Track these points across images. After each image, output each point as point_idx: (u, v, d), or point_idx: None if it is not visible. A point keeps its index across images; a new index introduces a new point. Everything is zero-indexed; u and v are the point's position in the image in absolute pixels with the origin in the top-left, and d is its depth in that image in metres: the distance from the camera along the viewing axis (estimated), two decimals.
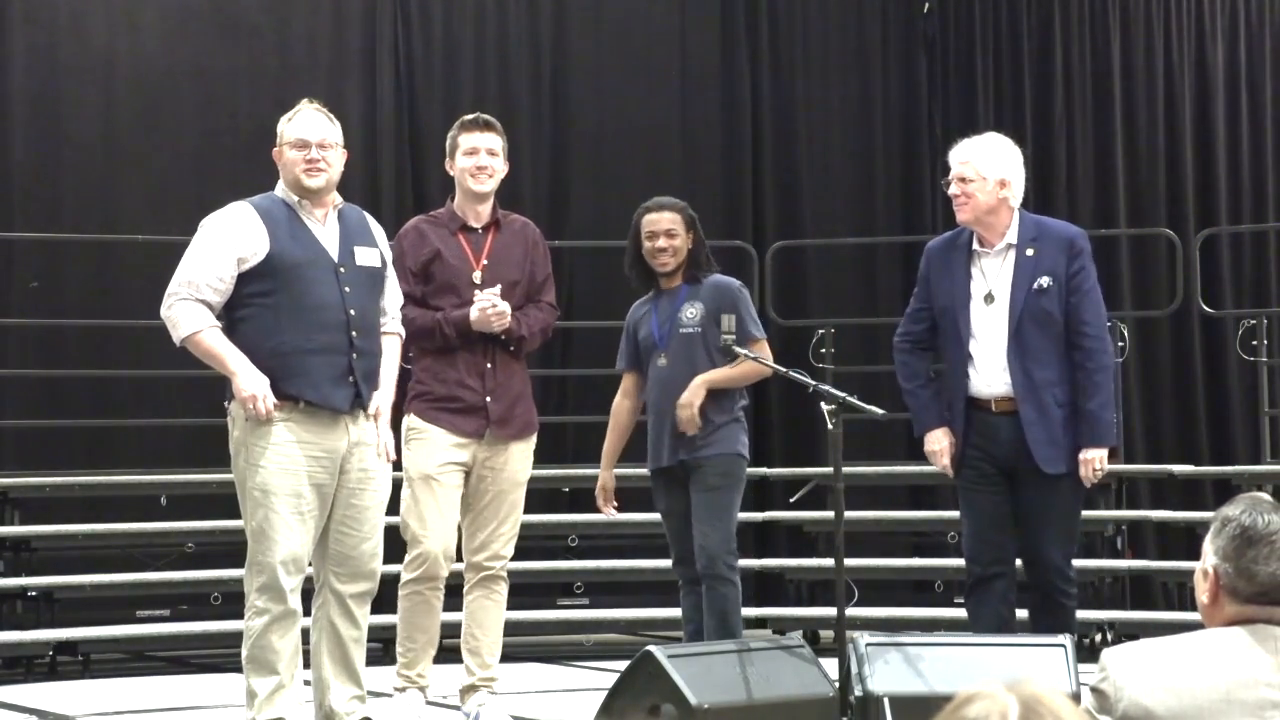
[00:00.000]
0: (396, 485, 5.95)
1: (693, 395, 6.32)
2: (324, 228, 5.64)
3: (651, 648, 5.48)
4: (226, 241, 5.53)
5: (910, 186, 11.06)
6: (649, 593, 9.08)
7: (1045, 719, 2.01)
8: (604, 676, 7.18)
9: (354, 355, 5.56)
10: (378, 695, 6.14)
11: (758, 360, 6.25)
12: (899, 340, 6.15)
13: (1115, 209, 10.82)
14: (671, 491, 6.47)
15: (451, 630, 6.57)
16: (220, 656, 8.24)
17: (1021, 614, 6.07)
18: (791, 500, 8.00)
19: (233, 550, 7.19)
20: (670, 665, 5.39)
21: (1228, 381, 10.62)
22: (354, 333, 5.57)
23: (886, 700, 5.43)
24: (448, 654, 6.62)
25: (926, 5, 11.11)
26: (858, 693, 5.51)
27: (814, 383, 5.82)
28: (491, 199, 6.33)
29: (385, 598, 6.18)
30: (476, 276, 6.22)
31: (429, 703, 6.41)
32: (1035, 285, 5.88)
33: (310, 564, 5.64)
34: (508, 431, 6.24)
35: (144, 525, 8.77)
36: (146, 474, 8.98)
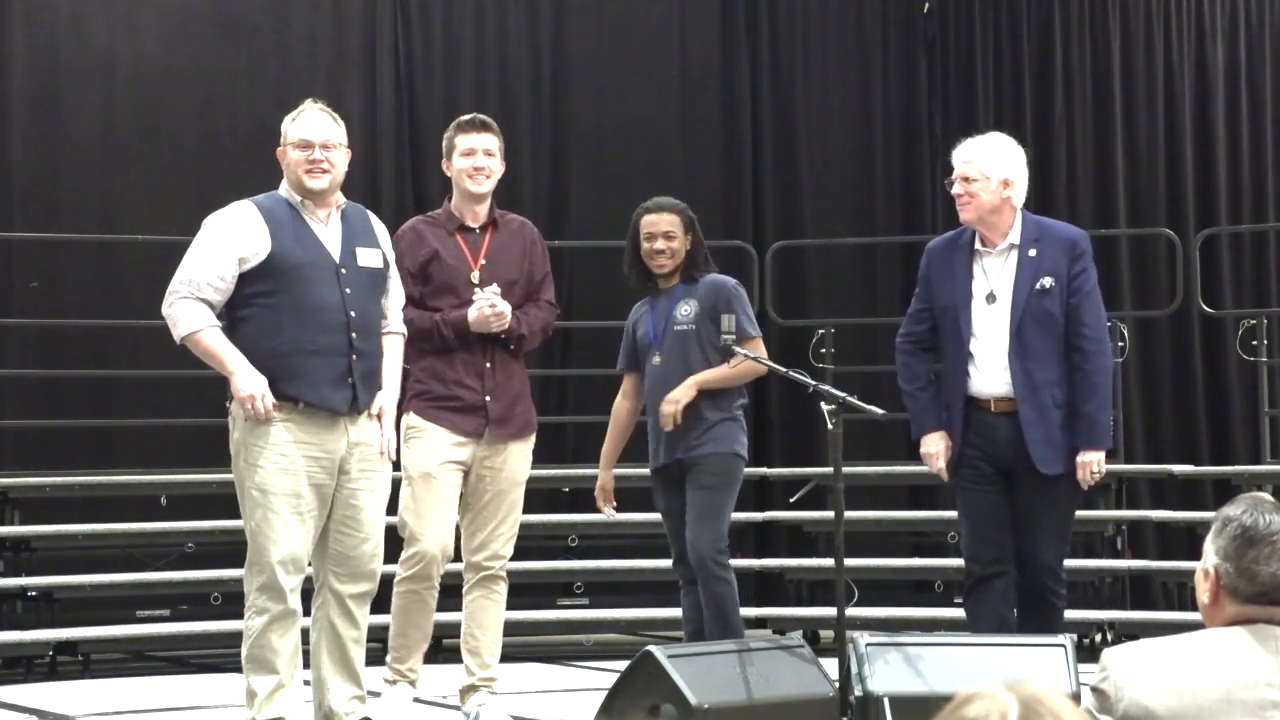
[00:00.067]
0: (396, 485, 5.95)
1: (680, 393, 6.34)
2: (326, 228, 5.63)
3: (651, 648, 5.48)
4: (228, 241, 5.53)
5: (910, 186, 11.06)
6: (649, 593, 9.09)
7: (1045, 719, 2.01)
8: (604, 676, 7.18)
9: (354, 357, 5.55)
10: (376, 695, 6.14)
11: (758, 360, 6.26)
12: (901, 341, 6.15)
13: (1115, 209, 10.82)
14: (669, 490, 6.47)
15: (451, 630, 6.57)
16: (220, 656, 8.24)
17: None
18: (791, 500, 8.01)
19: (233, 550, 7.20)
20: (670, 665, 5.39)
21: (1228, 381, 10.62)
22: (354, 334, 5.56)
23: (886, 700, 5.43)
24: (448, 654, 6.62)
25: (926, 5, 11.11)
26: (858, 693, 5.51)
27: (814, 383, 5.82)
28: (489, 199, 6.33)
29: (385, 597, 6.18)
30: (475, 276, 6.22)
31: (417, 700, 6.42)
32: (1037, 285, 5.88)
33: (310, 564, 5.64)
34: (507, 431, 6.24)
35: (144, 525, 8.77)
36: (146, 474, 8.98)
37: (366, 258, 5.66)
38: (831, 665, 5.69)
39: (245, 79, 9.98)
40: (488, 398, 6.20)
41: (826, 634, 8.42)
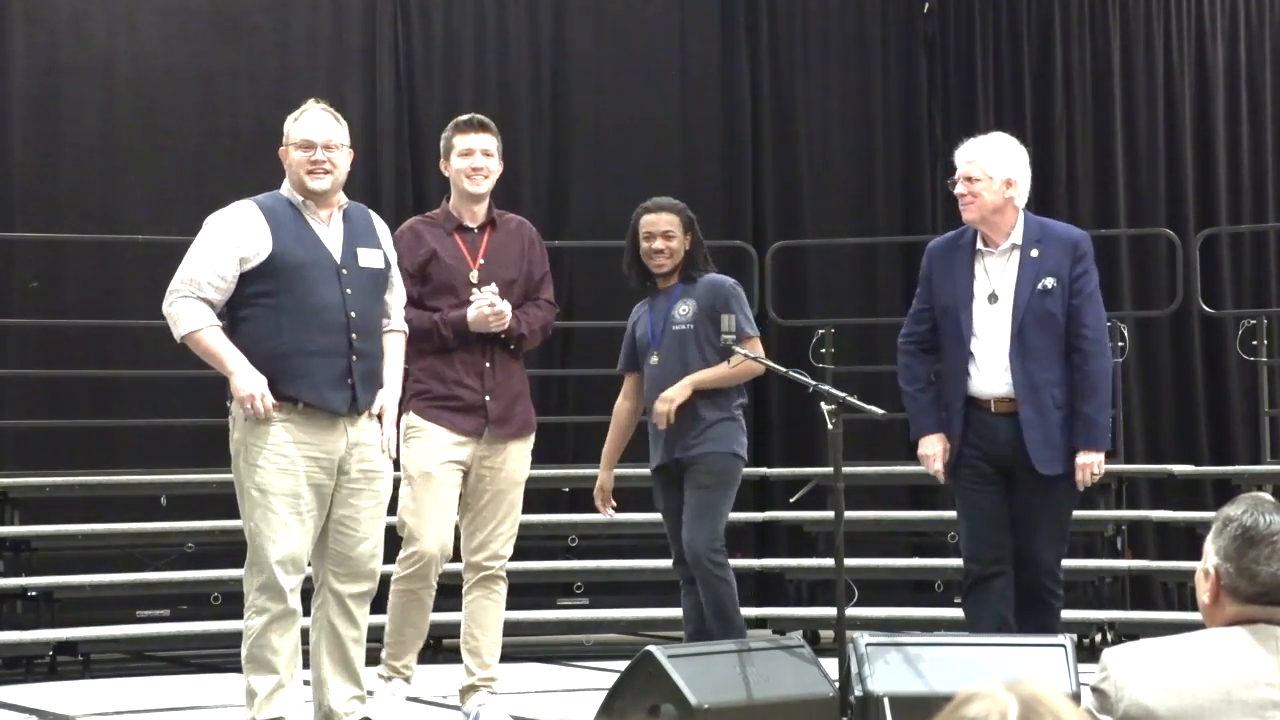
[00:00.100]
0: (395, 484, 5.95)
1: (674, 392, 6.35)
2: (328, 229, 5.63)
3: (651, 648, 5.48)
4: (229, 240, 5.53)
5: (910, 186, 11.06)
6: (649, 593, 9.09)
7: (1045, 718, 2.01)
8: (604, 676, 7.18)
9: (353, 358, 5.55)
10: (370, 694, 6.13)
11: (758, 361, 6.26)
12: (903, 342, 6.15)
13: (1115, 209, 10.82)
14: (669, 490, 6.48)
15: (451, 630, 6.56)
16: (220, 656, 8.24)
17: None
18: (791, 500, 8.01)
19: (233, 550, 7.19)
20: (670, 665, 5.39)
21: (1228, 381, 10.62)
22: (354, 335, 5.56)
23: (886, 700, 5.43)
24: (448, 654, 6.62)
25: (926, 5, 11.11)
26: (858, 693, 5.51)
27: (814, 383, 5.82)
28: (487, 199, 6.33)
29: (383, 596, 6.18)
30: (473, 276, 6.22)
31: (414, 699, 6.43)
32: (1040, 286, 5.89)
33: (310, 564, 5.64)
34: (506, 430, 6.24)
35: (144, 525, 8.77)
36: (146, 474, 8.98)
37: (368, 258, 5.66)
38: (831, 665, 5.69)
39: (245, 79, 9.98)
40: (487, 397, 6.20)
41: (826, 634, 8.42)
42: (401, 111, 10.19)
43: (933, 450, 6.02)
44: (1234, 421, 10.62)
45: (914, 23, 11.12)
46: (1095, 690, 2.86)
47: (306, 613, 5.64)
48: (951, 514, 7.48)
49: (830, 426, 5.63)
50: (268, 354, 5.48)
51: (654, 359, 6.48)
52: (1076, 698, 4.58)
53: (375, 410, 5.63)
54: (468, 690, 6.32)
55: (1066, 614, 6.75)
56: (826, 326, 9.69)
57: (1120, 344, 9.12)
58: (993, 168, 5.93)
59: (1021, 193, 5.98)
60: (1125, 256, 10.69)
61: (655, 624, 8.82)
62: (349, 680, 5.65)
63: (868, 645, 5.61)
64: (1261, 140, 10.92)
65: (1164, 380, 10.75)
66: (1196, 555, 3.14)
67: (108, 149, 9.74)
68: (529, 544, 8.60)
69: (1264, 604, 2.83)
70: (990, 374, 5.93)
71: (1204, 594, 2.88)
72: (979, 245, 5.99)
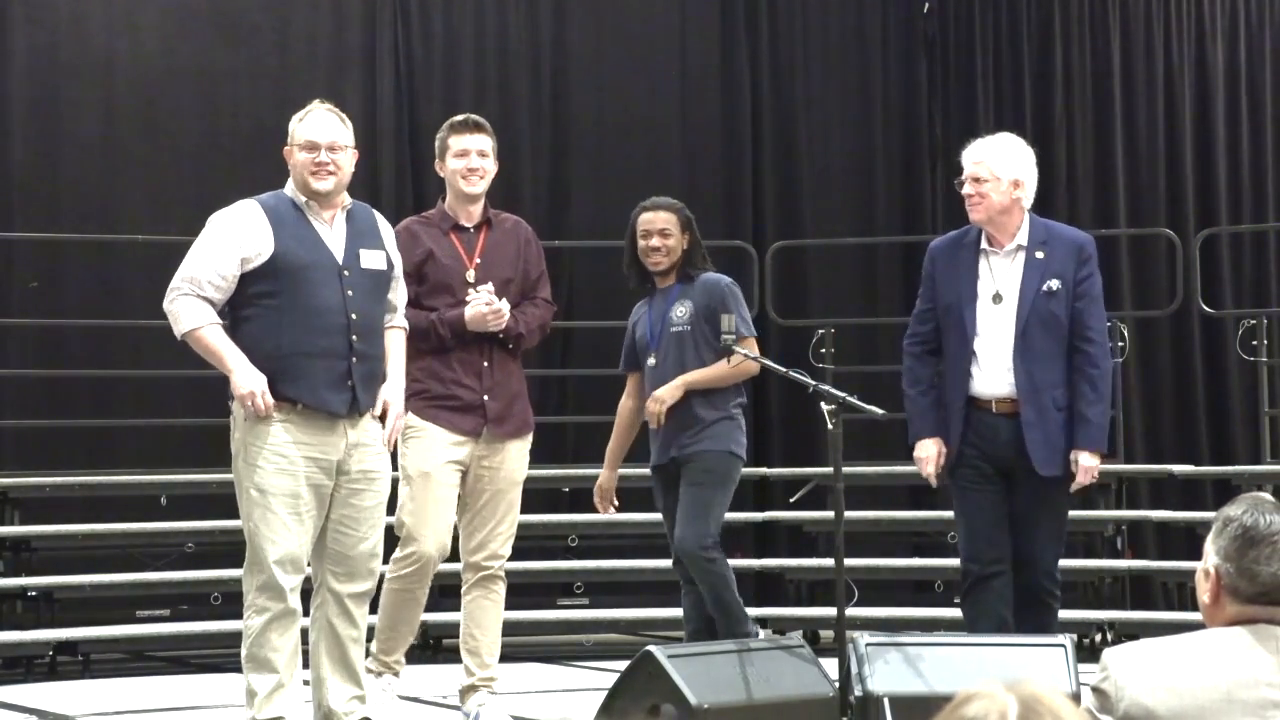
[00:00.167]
0: (394, 484, 5.95)
1: (665, 392, 6.36)
2: (331, 229, 5.63)
3: (651, 648, 5.48)
4: (231, 240, 5.53)
5: (910, 186, 11.07)
6: (649, 593, 9.09)
7: (1044, 718, 2.01)
8: (604, 676, 7.18)
9: (353, 360, 5.55)
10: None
11: (757, 361, 6.26)
12: (908, 343, 6.14)
13: (1115, 209, 10.82)
14: (668, 490, 6.49)
15: (450, 630, 6.56)
16: (220, 656, 8.24)
17: None
18: (791, 500, 8.02)
19: (233, 550, 7.19)
20: (670, 665, 5.38)
21: (1228, 381, 10.63)
22: (354, 337, 5.56)
23: (886, 700, 5.43)
24: (448, 654, 6.62)
25: (926, 5, 11.11)
26: (858, 693, 5.51)
27: (814, 383, 5.82)
28: (483, 199, 6.34)
29: (376, 593, 6.17)
30: (470, 275, 6.23)
31: (407, 697, 6.44)
32: (1044, 288, 5.89)
33: (309, 564, 5.64)
34: (505, 430, 6.24)
35: (144, 525, 8.77)
36: (146, 474, 8.98)
37: (370, 259, 5.66)
38: (831, 665, 5.69)
39: (245, 79, 9.98)
40: (485, 396, 6.20)
41: (826, 634, 8.42)
42: (401, 111, 10.19)
43: (927, 454, 6.02)
44: (1234, 421, 10.62)
45: (914, 23, 11.12)
46: (1095, 690, 2.86)
47: (306, 613, 5.64)
48: (952, 514, 7.49)
49: (830, 426, 5.63)
50: (268, 354, 5.48)
51: (651, 360, 6.50)
52: (1076, 698, 4.58)
53: (378, 411, 5.63)
54: (468, 690, 6.32)
55: (1066, 614, 6.76)
56: (826, 326, 9.68)
57: (1120, 344, 9.12)
58: (1001, 169, 5.93)
59: (1028, 194, 5.98)
60: (1125, 256, 10.69)
61: (655, 624, 8.82)
62: (348, 680, 5.65)
63: (868, 645, 5.61)
64: (1261, 140, 10.92)
65: (1164, 380, 10.76)
66: (1196, 555, 3.14)
67: (108, 149, 9.74)
68: (529, 544, 8.60)
69: (1264, 604, 2.83)
70: (992, 374, 5.93)
71: (1204, 594, 2.88)
72: (983, 245, 5.99)
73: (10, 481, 8.74)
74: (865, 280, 11.01)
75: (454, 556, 6.35)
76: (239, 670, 5.61)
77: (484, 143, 6.29)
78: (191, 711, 7.16)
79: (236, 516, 5.64)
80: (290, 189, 5.66)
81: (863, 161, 11.03)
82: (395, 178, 10.12)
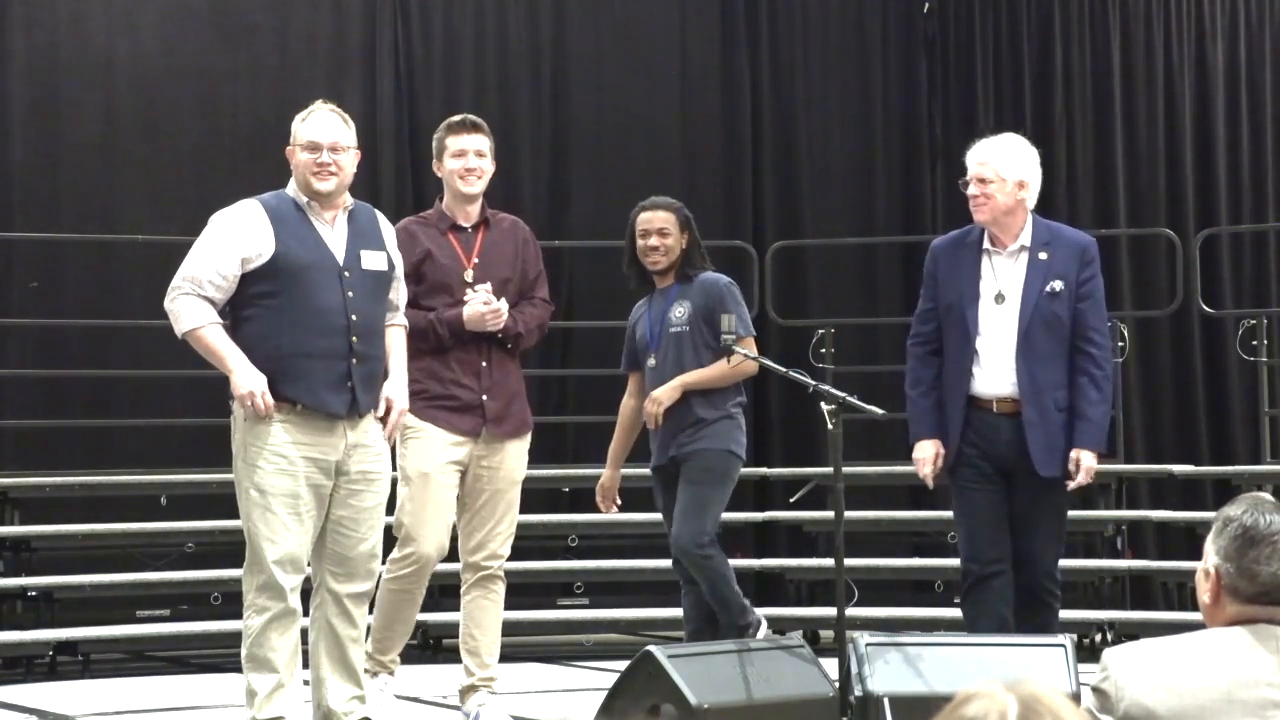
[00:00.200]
0: (393, 484, 5.96)
1: (662, 393, 6.37)
2: (332, 230, 5.63)
3: (651, 648, 5.48)
4: (232, 240, 5.53)
5: (910, 186, 11.07)
6: (649, 593, 9.09)
7: (1044, 718, 2.01)
8: (604, 676, 7.18)
9: (353, 361, 5.55)
10: None
11: (757, 361, 6.27)
12: (912, 342, 6.14)
13: (1115, 209, 10.82)
14: (667, 490, 6.49)
15: (450, 630, 6.56)
16: (220, 656, 8.24)
17: None
18: (791, 500, 8.01)
19: (233, 550, 7.19)
20: (670, 665, 5.38)
21: (1228, 381, 10.62)
22: (355, 338, 5.56)
23: (886, 700, 5.43)
24: (447, 654, 6.62)
25: (926, 5, 11.12)
26: (858, 693, 5.51)
27: (814, 383, 5.82)
28: (480, 198, 6.34)
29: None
30: (468, 275, 6.23)
31: (405, 696, 6.44)
32: (1048, 289, 5.89)
33: (309, 564, 5.64)
34: (504, 429, 6.24)
35: (144, 525, 8.77)
36: (146, 474, 8.98)
37: (371, 260, 5.66)
38: (831, 665, 5.69)
39: (245, 79, 9.98)
40: (484, 396, 6.20)
41: (826, 634, 8.42)
42: (401, 111, 10.19)
43: (925, 455, 6.03)
44: (1234, 421, 10.62)
45: (914, 23, 11.12)
46: (1096, 690, 2.86)
47: (306, 613, 5.64)
48: (951, 514, 7.49)
49: (830, 426, 5.63)
50: (268, 355, 5.49)
51: (651, 361, 6.51)
52: (1076, 698, 4.58)
53: (381, 409, 5.63)
54: (468, 690, 6.32)
55: (1066, 614, 6.76)
56: (826, 326, 9.68)
57: (1120, 344, 9.12)
58: (1006, 169, 5.93)
59: (1033, 195, 5.99)
60: (1125, 256, 10.68)
61: (655, 624, 8.82)
62: (348, 680, 5.65)
63: (868, 645, 5.61)
64: (1261, 140, 10.92)
65: (1164, 380, 10.75)
66: (1196, 555, 3.14)
67: (108, 149, 9.74)
68: (529, 544, 8.60)
69: (1264, 604, 2.83)
70: (994, 374, 5.92)
71: (1204, 594, 2.88)
72: (986, 245, 5.99)
73: (10, 481, 8.74)
74: (865, 280, 11.00)
75: (453, 556, 6.35)
76: (239, 670, 5.61)
77: (481, 143, 6.29)
78: (191, 711, 7.16)
79: (236, 516, 5.64)
80: (292, 189, 5.66)
81: (863, 161, 11.03)
82: (395, 178, 10.12)
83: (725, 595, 6.30)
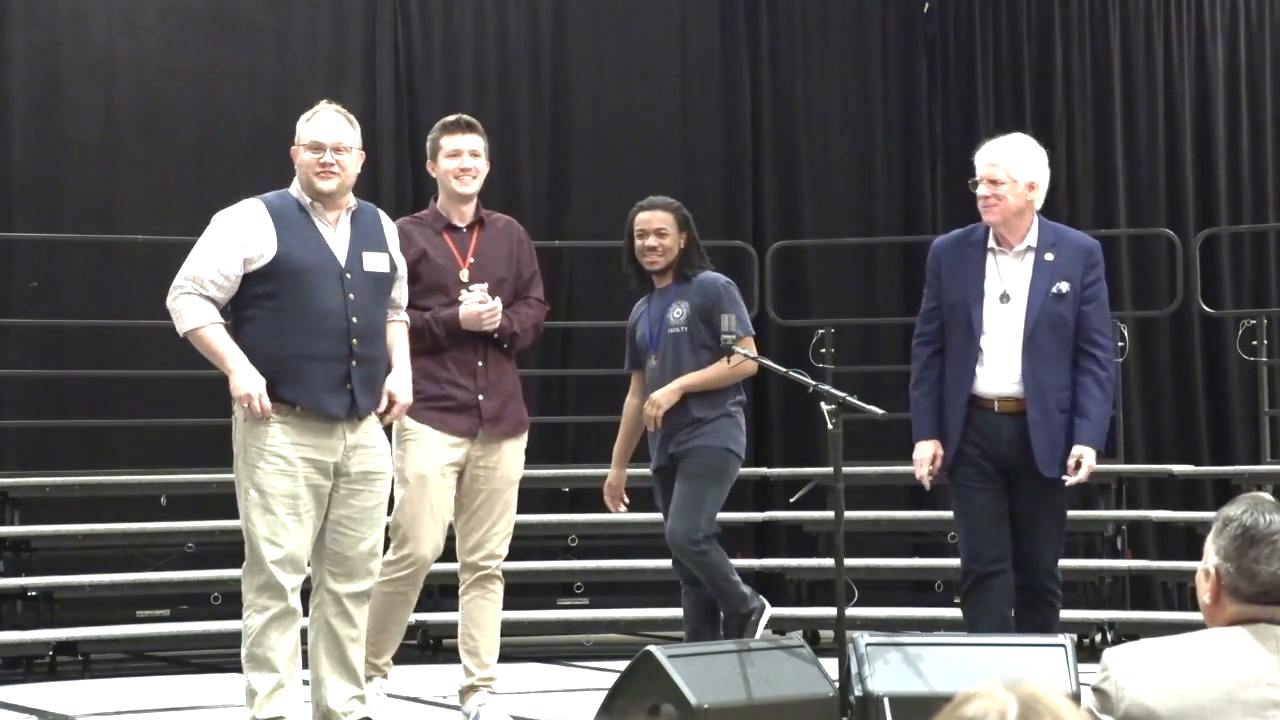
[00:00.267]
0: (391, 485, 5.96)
1: (661, 396, 6.38)
2: (335, 231, 5.63)
3: (651, 648, 5.48)
4: (234, 240, 5.53)
5: (910, 186, 11.07)
6: (649, 593, 9.09)
7: (1044, 718, 2.01)
8: (604, 676, 7.18)
9: (353, 363, 5.55)
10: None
11: (757, 361, 6.26)
12: (917, 342, 6.14)
13: (1115, 209, 10.82)
14: (667, 490, 6.50)
15: (449, 630, 6.55)
16: (220, 656, 8.24)
17: None
18: (791, 500, 8.01)
19: (233, 550, 7.19)
20: (670, 665, 5.38)
21: (1228, 381, 10.62)
22: (355, 340, 5.56)
23: (886, 700, 5.43)
24: (447, 654, 6.62)
25: (926, 5, 11.12)
26: (858, 693, 5.51)
27: (814, 383, 5.82)
28: (475, 198, 6.34)
29: None
30: (464, 275, 6.23)
31: (401, 696, 6.45)
32: (1054, 290, 5.89)
33: (309, 564, 5.64)
34: (500, 429, 6.24)
35: (144, 525, 8.77)
36: (146, 474, 8.98)
37: (373, 262, 5.66)
38: (831, 665, 5.69)
39: (245, 79, 9.98)
40: (481, 396, 6.20)
41: (826, 634, 8.42)
42: (401, 111, 10.18)
43: (923, 454, 6.03)
44: (1234, 421, 10.62)
45: (914, 23, 11.12)
46: (1096, 690, 2.86)
47: (305, 613, 5.64)
48: (951, 514, 7.49)
49: (830, 426, 5.63)
50: (268, 356, 5.49)
51: (652, 362, 6.51)
52: (1076, 698, 4.58)
53: (383, 405, 5.63)
54: (467, 690, 6.32)
55: (1066, 614, 6.75)
56: (826, 326, 9.68)
57: (1120, 344, 9.11)
58: (1017, 170, 5.93)
59: (1041, 196, 5.99)
60: (1125, 256, 10.68)
61: (655, 624, 8.82)
62: (348, 680, 5.65)
63: (868, 645, 5.61)
64: (1261, 140, 10.92)
65: (1164, 380, 10.75)
66: (1196, 555, 3.14)
67: (108, 149, 9.74)
68: (529, 544, 8.60)
69: (1265, 604, 2.83)
70: (998, 373, 5.92)
71: (1205, 594, 2.88)
72: (991, 244, 5.99)
73: (10, 481, 8.74)
74: (865, 280, 11.00)
75: (451, 556, 6.35)
76: (239, 670, 5.61)
77: (476, 143, 6.30)
78: (191, 711, 7.16)
79: (236, 516, 5.64)
80: (295, 189, 5.67)
81: (863, 161, 11.03)
82: (395, 178, 10.12)
83: (724, 588, 6.31)
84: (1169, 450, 10.49)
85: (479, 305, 6.13)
